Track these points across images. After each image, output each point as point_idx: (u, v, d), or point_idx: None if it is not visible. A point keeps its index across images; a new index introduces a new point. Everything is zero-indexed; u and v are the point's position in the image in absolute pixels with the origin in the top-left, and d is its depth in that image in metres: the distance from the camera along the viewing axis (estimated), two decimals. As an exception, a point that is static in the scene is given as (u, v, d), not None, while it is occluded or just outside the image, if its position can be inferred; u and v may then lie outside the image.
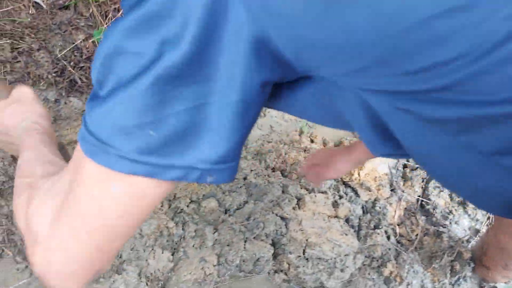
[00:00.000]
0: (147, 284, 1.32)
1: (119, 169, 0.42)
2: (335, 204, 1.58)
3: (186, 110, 0.40)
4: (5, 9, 1.37)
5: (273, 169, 1.75)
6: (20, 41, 1.38)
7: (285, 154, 1.84)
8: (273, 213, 1.49)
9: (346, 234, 1.49)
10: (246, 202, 1.54)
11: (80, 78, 1.48)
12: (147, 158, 0.41)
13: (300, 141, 1.93)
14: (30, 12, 1.46)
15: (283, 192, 1.60)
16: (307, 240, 1.45)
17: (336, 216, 1.54)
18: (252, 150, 1.95)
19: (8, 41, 1.35)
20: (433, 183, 1.73)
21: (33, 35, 1.42)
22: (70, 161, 0.51)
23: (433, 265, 1.51)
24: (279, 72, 0.43)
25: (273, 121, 2.00)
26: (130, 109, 0.40)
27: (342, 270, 1.42)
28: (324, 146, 1.92)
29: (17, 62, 1.38)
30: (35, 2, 1.49)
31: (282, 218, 1.50)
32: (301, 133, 2.02)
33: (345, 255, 1.45)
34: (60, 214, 0.47)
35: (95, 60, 0.43)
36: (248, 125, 0.45)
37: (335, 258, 1.43)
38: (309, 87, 0.49)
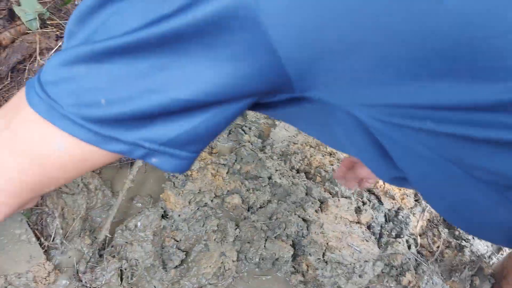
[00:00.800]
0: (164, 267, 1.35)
1: (62, 127, 0.40)
2: (357, 210, 1.58)
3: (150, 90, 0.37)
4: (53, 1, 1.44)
5: (298, 171, 1.77)
6: (63, 28, 1.44)
7: (311, 156, 1.85)
8: (295, 214, 1.50)
9: (367, 241, 1.50)
10: (269, 201, 1.56)
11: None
12: (90, 125, 0.39)
13: (325, 145, 1.94)
14: (76, 2, 1.52)
15: (306, 194, 1.61)
16: (327, 243, 1.46)
17: (358, 222, 1.55)
18: (278, 151, 1.97)
19: (54, 30, 1.41)
20: (458, 197, 1.71)
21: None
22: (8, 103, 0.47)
23: (453, 278, 1.50)
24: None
25: (301, 123, 2.01)
26: (117, 77, 0.37)
27: (360, 276, 1.42)
28: (350, 151, 1.92)
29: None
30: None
31: (304, 220, 1.51)
32: (327, 136, 2.03)
33: (364, 261, 1.45)
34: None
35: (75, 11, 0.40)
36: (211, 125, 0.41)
37: (354, 263, 1.44)
38: (299, 105, 0.43)
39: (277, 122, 2.00)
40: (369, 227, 1.57)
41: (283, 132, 2.02)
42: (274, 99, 0.41)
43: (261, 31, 0.32)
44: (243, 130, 1.99)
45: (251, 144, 1.98)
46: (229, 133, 2.00)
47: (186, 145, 0.41)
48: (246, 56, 0.34)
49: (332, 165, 1.81)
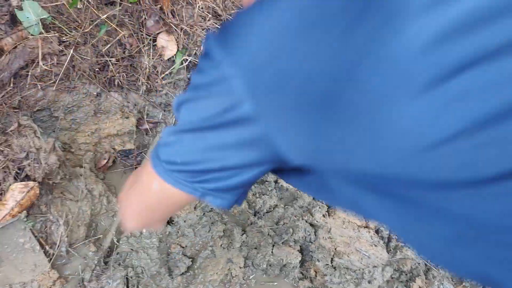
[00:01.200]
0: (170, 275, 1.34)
1: (156, 169, 0.63)
2: (365, 214, 1.56)
3: (220, 169, 0.58)
4: (55, 4, 1.42)
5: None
6: (67, 35, 1.42)
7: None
8: (302, 219, 1.48)
9: (375, 245, 1.47)
10: (276, 206, 1.54)
11: (121, 75, 1.51)
12: (169, 170, 0.61)
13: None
14: (78, 6, 1.49)
15: (313, 198, 1.59)
16: (335, 248, 1.44)
17: (366, 226, 1.52)
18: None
19: (56, 34, 1.39)
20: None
21: (79, 29, 1.45)
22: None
23: (463, 284, 1.47)
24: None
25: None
26: (187, 148, 0.59)
27: (369, 282, 1.40)
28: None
29: (63, 55, 1.42)
30: (82, -3, 1.54)
31: (312, 225, 1.49)
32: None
33: (373, 267, 1.43)
34: (132, 185, 0.75)
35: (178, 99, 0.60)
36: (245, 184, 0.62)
37: (363, 269, 1.42)
38: (305, 177, 0.61)
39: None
40: (377, 231, 1.55)
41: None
42: (285, 167, 0.57)
43: (273, 145, 0.51)
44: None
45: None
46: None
47: (229, 191, 0.61)
48: (263, 150, 0.54)
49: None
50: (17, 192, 1.15)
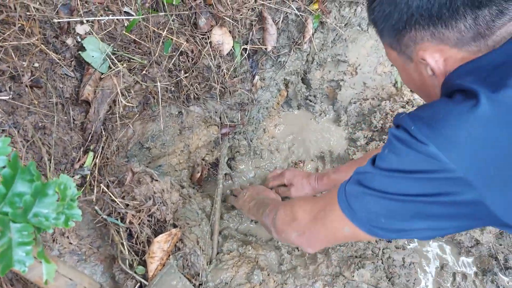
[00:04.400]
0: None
1: (355, 223, 0.78)
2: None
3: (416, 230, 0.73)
4: (106, 30, 1.30)
5: (381, 129, 1.73)
6: (131, 60, 1.32)
7: (390, 110, 1.81)
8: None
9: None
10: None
11: (194, 87, 1.43)
12: (370, 226, 0.76)
13: (401, 94, 1.88)
14: (125, 24, 1.38)
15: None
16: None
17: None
18: (353, 113, 1.92)
19: (124, 65, 1.29)
20: None
21: (139, 49, 1.36)
22: (327, 194, 0.98)
23: None
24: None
25: (366, 77, 1.93)
26: (384, 208, 0.72)
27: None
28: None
29: (136, 83, 1.33)
30: (125, 12, 1.41)
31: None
32: (396, 84, 1.96)
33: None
34: (316, 217, 0.91)
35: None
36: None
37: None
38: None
39: (341, 83, 1.92)
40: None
41: (350, 91, 1.95)
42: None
43: (486, 207, 0.63)
44: (310, 100, 1.93)
45: (325, 114, 1.93)
46: (298, 108, 1.94)
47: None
48: (479, 215, 0.66)
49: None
50: (163, 243, 1.14)
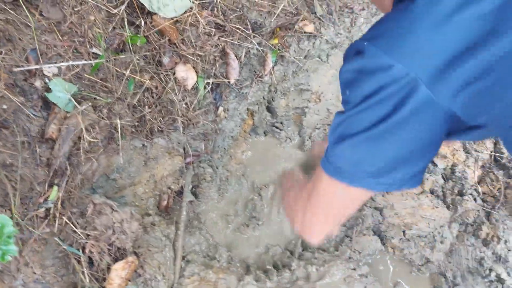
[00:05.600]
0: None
1: (344, 180, 0.75)
2: (418, 180, 1.66)
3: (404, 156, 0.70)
4: (73, 71, 1.41)
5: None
6: (97, 99, 1.43)
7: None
8: (366, 206, 1.58)
9: (436, 207, 1.58)
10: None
11: (158, 121, 1.53)
12: (358, 177, 0.73)
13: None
14: (93, 64, 1.49)
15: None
16: (403, 221, 1.55)
17: (422, 192, 1.62)
18: (317, 138, 2.01)
19: (89, 104, 1.40)
20: (503, 136, 1.78)
21: (105, 88, 1.46)
22: (314, 174, 0.88)
23: (521, 216, 1.60)
24: (455, 126, 0.69)
25: (329, 104, 2.04)
26: (363, 149, 0.71)
27: (442, 242, 1.52)
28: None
29: (100, 120, 1.44)
30: (93, 53, 1.52)
31: (376, 208, 1.59)
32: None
33: (440, 227, 1.54)
34: (309, 198, 0.87)
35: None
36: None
37: (432, 232, 1.53)
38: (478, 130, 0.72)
39: (306, 110, 2.02)
40: (432, 191, 1.65)
41: (315, 117, 2.05)
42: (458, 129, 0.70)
43: (442, 108, 0.65)
44: (277, 127, 2.02)
45: (290, 140, 2.02)
46: (265, 135, 2.04)
47: (408, 181, 0.73)
48: (439, 119, 0.67)
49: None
50: (121, 270, 1.23)
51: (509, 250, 1.50)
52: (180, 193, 1.70)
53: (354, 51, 0.70)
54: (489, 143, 1.79)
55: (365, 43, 0.67)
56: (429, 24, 0.62)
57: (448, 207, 1.60)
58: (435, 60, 0.62)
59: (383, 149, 0.70)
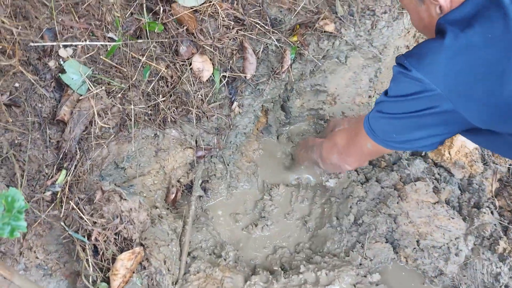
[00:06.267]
0: None
1: (375, 140, 1.09)
2: (435, 190, 1.61)
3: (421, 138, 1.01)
4: (88, 54, 1.37)
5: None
6: (111, 84, 1.39)
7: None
8: (380, 212, 1.53)
9: (452, 218, 1.53)
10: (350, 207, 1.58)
11: (171, 111, 1.49)
12: (385, 141, 1.07)
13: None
14: (109, 47, 1.45)
15: (381, 187, 1.63)
16: (418, 231, 1.50)
17: (438, 201, 1.57)
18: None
19: (102, 88, 1.36)
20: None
21: (119, 73, 1.42)
22: (356, 123, 1.28)
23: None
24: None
25: (345, 107, 1.99)
26: (393, 125, 1.03)
27: (456, 254, 1.47)
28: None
29: (113, 106, 1.40)
30: (109, 37, 1.49)
31: (389, 215, 1.54)
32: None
33: (456, 239, 1.49)
34: (348, 140, 1.29)
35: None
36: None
37: (447, 243, 1.48)
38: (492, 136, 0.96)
39: (320, 112, 1.98)
40: (447, 202, 1.61)
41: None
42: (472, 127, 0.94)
43: (459, 113, 0.90)
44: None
45: (303, 140, 1.98)
46: (278, 137, 2.00)
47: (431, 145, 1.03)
48: (457, 120, 0.93)
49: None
50: (126, 261, 1.18)
51: (526, 267, 1.45)
52: (189, 187, 1.65)
53: (399, 59, 0.95)
54: (508, 156, 1.74)
55: (403, 58, 0.93)
56: (450, 53, 0.86)
57: (464, 219, 1.55)
58: (453, 80, 0.87)
59: (408, 129, 1.00)
